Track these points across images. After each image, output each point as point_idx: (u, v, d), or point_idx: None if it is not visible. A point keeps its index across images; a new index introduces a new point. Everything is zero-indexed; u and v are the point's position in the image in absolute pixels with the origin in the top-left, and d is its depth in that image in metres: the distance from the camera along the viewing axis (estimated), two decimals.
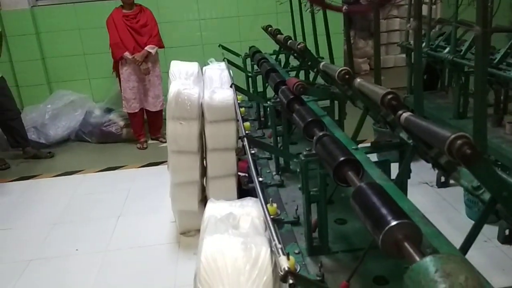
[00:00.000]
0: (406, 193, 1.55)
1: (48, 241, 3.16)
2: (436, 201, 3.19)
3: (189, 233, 2.99)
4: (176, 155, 2.67)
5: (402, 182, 1.55)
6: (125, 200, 3.68)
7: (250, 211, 1.25)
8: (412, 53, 3.67)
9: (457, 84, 3.11)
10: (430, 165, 1.33)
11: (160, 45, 4.79)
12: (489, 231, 2.76)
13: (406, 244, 0.88)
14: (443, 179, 3.34)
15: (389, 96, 1.18)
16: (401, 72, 5.19)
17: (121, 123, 5.13)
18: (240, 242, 1.07)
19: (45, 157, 4.80)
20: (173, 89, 2.58)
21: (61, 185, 4.14)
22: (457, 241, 2.59)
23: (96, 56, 5.43)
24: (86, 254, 2.96)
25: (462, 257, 0.88)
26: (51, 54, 5.42)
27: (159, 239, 3.04)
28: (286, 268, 0.76)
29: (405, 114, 1.06)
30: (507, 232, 2.63)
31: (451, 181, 3.44)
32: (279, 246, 0.84)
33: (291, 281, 0.75)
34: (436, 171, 3.22)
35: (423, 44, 3.50)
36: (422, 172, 3.40)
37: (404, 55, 4.46)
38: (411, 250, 0.85)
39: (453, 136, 0.85)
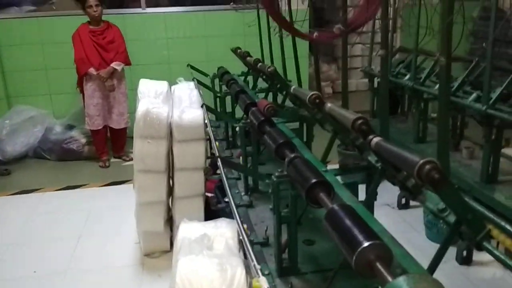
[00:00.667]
0: (373, 215, 1.60)
1: (5, 263, 3.01)
2: (397, 222, 3.29)
3: (153, 255, 2.93)
4: (142, 174, 2.64)
5: (369, 204, 1.60)
6: (86, 220, 3.57)
7: (224, 232, 1.26)
8: (375, 78, 3.84)
9: (417, 110, 3.26)
10: (391, 187, 1.39)
11: (127, 62, 4.76)
12: (448, 252, 2.87)
13: (378, 264, 0.91)
14: (403, 201, 3.46)
15: (359, 121, 1.23)
16: (363, 96, 5.39)
17: (83, 140, 5.01)
18: (215, 263, 1.07)
19: (1, 174, 4.60)
20: (142, 107, 2.56)
21: (17, 204, 3.97)
22: (418, 261, 2.68)
23: (58, 71, 5.31)
24: (45, 277, 2.83)
25: (433, 277, 0.93)
26: (12, 68, 5.25)
27: (122, 260, 2.96)
28: None
29: (376, 139, 1.11)
30: (464, 253, 2.75)
31: (411, 203, 3.57)
32: (258, 267, 0.86)
33: None
34: (398, 193, 3.34)
35: None
36: (384, 195, 3.48)
37: (366, 80, 4.64)
38: (383, 271, 0.88)
39: (422, 161, 0.90)
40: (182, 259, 1.08)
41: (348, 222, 1.05)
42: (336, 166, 2.05)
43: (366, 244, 0.94)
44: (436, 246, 3.01)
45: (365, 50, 7.12)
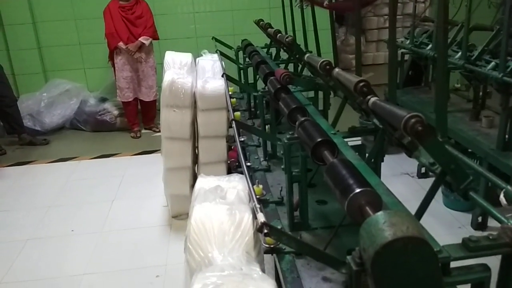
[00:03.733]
0: (379, 174, 1.70)
1: (44, 223, 3.29)
2: (416, 190, 3.36)
3: (180, 217, 3.13)
4: (169, 141, 2.81)
5: (376, 164, 1.69)
6: (119, 186, 3.80)
7: (236, 185, 1.39)
8: (399, 50, 3.84)
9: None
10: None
11: (155, 37, 4.92)
12: (464, 218, 2.94)
13: (367, 208, 1.03)
14: (423, 170, 3.51)
15: (361, 84, 1.32)
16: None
17: (115, 112, 5.25)
18: (226, 208, 1.21)
19: (40, 144, 4.91)
20: (167, 78, 2.71)
21: (55, 170, 4.26)
22: (434, 227, 2.77)
23: (91, 46, 5.53)
24: (82, 235, 3.09)
25: (408, 212, 1.03)
26: (48, 44, 5.50)
27: (151, 221, 3.18)
28: (262, 221, 0.90)
29: (373, 99, 1.20)
30: (479, 219, 2.80)
31: (430, 173, 3.61)
32: (257, 206, 0.99)
33: (265, 231, 0.89)
34: (417, 163, 3.39)
35: (408, 42, 3.65)
36: (404, 164, 3.57)
37: None
38: (370, 212, 1.00)
39: (408, 115, 0.99)
40: (197, 205, 1.23)
41: (344, 173, 1.16)
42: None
43: (357, 190, 1.06)
44: (453, 212, 3.09)
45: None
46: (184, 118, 2.74)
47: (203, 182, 1.40)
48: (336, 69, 1.56)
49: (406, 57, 3.93)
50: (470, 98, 3.28)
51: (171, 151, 2.82)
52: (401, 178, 3.55)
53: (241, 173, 2.56)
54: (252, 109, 3.30)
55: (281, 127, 2.71)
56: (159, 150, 3.06)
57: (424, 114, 2.96)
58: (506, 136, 2.50)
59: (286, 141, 1.68)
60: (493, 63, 2.56)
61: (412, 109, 3.27)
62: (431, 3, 2.95)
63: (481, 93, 3.12)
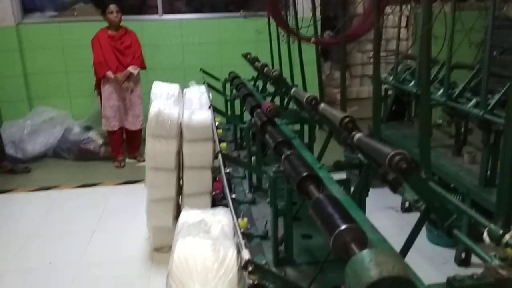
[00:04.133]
0: (364, 209, 1.70)
1: (22, 254, 3.18)
2: (400, 225, 3.36)
3: (162, 250, 3.06)
4: (153, 172, 2.77)
5: (361, 199, 1.70)
6: (100, 217, 3.72)
7: (221, 219, 1.37)
8: (382, 85, 3.93)
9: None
10: None
11: (143, 67, 4.95)
12: (447, 254, 2.94)
13: (352, 245, 1.02)
14: (407, 204, 3.53)
15: (346, 120, 1.34)
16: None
17: (100, 141, 5.20)
18: (209, 244, 1.19)
19: (21, 172, 4.81)
20: (154, 108, 2.71)
21: (36, 200, 4.15)
22: (418, 262, 2.76)
23: (78, 75, 5.53)
24: (60, 268, 2.99)
25: (393, 250, 1.02)
26: (34, 71, 5.49)
27: (132, 254, 3.10)
28: (247, 258, 0.89)
29: (358, 135, 1.21)
30: (463, 255, 2.80)
31: (414, 208, 3.63)
32: (242, 241, 0.97)
33: (250, 269, 0.88)
34: (401, 197, 3.41)
35: (391, 78, 3.75)
36: (388, 198, 3.58)
37: None
38: (356, 250, 0.99)
39: (392, 153, 1.01)
40: (180, 240, 1.20)
41: (330, 208, 1.16)
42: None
43: (342, 227, 1.05)
44: (437, 248, 3.08)
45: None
46: (170, 148, 2.72)
47: (186, 215, 1.38)
48: (322, 105, 1.58)
49: (390, 92, 4.02)
50: (452, 134, 3.35)
51: (155, 182, 2.79)
52: (385, 212, 3.56)
53: (226, 205, 2.53)
54: (238, 141, 3.31)
55: (267, 159, 2.71)
56: (143, 180, 3.02)
57: (408, 149, 3.02)
58: (488, 172, 2.54)
59: (271, 174, 1.68)
60: (474, 101, 2.63)
61: (396, 143, 3.33)
62: (414, 41, 3.06)
63: (462, 130, 3.18)
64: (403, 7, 3.60)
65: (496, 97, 2.46)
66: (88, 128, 5.31)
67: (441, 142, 3.43)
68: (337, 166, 1.74)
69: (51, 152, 5.25)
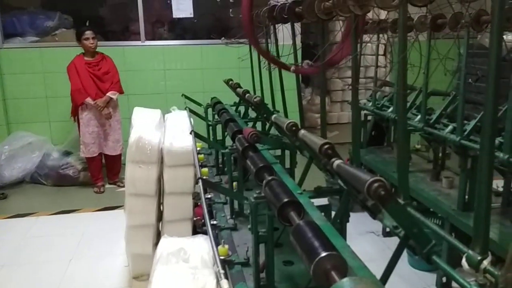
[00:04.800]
0: (345, 235, 1.71)
1: None
2: (381, 249, 3.36)
3: (142, 278, 2.99)
4: (133, 198, 2.74)
5: (341, 224, 1.70)
6: (78, 244, 3.63)
7: (201, 246, 1.36)
8: (361, 111, 4.00)
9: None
10: None
11: (121, 91, 4.95)
12: (428, 278, 2.95)
13: (333, 273, 1.02)
14: (387, 229, 3.54)
15: (326, 146, 1.36)
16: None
17: (79, 166, 5.12)
18: (189, 273, 1.17)
19: None
20: (134, 133, 2.69)
21: (12, 227, 4.04)
22: (399, 286, 2.75)
23: (58, 100, 5.47)
24: None
25: (374, 279, 1.02)
26: (13, 96, 5.42)
27: (111, 283, 3.02)
28: None
29: (337, 162, 1.23)
30: (444, 279, 2.81)
31: None
32: (221, 271, 0.96)
33: None
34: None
35: (370, 104, 3.82)
36: (369, 222, 3.58)
37: None
38: (336, 278, 0.98)
39: (371, 180, 1.02)
40: (159, 268, 1.18)
41: (310, 236, 1.16)
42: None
43: (323, 254, 1.05)
44: (418, 272, 3.09)
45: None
46: (150, 174, 2.70)
47: (166, 243, 1.36)
48: (302, 131, 1.59)
49: (369, 117, 4.09)
50: (430, 159, 3.41)
51: (135, 208, 2.75)
52: (366, 236, 3.57)
53: (206, 232, 2.50)
54: (220, 165, 3.30)
55: (249, 183, 2.71)
56: (123, 206, 2.98)
57: (387, 173, 3.05)
58: (466, 196, 2.58)
59: (253, 200, 1.68)
60: (450, 127, 2.69)
61: (375, 168, 3.35)
62: (391, 69, 3.14)
63: (440, 154, 3.24)
64: (381, 36, 3.73)
65: (472, 123, 2.53)
66: (67, 153, 5.23)
67: (420, 167, 3.48)
68: (318, 192, 1.75)
69: (29, 178, 5.15)
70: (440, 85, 3.32)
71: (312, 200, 1.71)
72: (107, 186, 5.06)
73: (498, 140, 2.30)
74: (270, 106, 3.23)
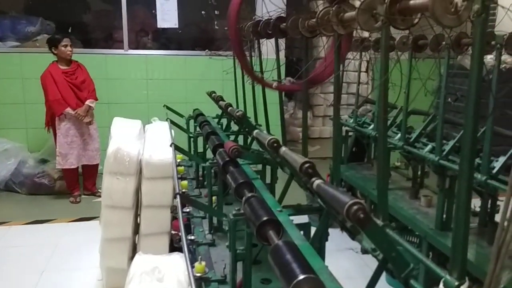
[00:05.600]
0: (323, 255, 1.69)
1: None
2: (360, 267, 3.36)
3: None
4: (109, 210, 2.68)
5: (320, 243, 1.68)
6: (51, 255, 3.52)
7: (176, 266, 1.32)
8: (343, 128, 4.03)
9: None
10: None
11: (97, 99, 4.88)
12: None
13: None
14: None
15: (306, 165, 1.34)
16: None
17: (55, 175, 5.00)
18: None
19: None
20: (113, 144, 2.64)
21: None
22: None
23: (36, 106, 5.35)
24: None
25: None
26: None
27: None
28: None
29: (317, 181, 1.21)
30: None
31: None
32: None
33: None
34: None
35: (352, 120, 3.85)
36: (348, 239, 3.58)
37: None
38: None
39: (350, 202, 1.01)
40: None
41: (288, 257, 1.14)
42: None
43: (301, 277, 1.03)
44: None
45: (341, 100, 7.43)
46: (128, 186, 2.65)
47: (140, 261, 1.32)
48: (283, 148, 1.58)
49: (350, 133, 4.12)
50: (410, 177, 3.43)
51: (111, 221, 2.68)
52: (345, 253, 3.56)
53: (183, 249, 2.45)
54: (200, 178, 3.26)
55: (229, 197, 2.67)
56: (99, 217, 2.91)
57: (367, 190, 3.04)
58: (444, 216, 2.60)
59: (232, 217, 1.65)
60: (430, 146, 2.72)
61: (356, 185, 3.35)
62: (373, 88, 3.18)
63: (419, 173, 3.27)
64: (363, 54, 3.77)
65: (451, 143, 2.56)
66: (43, 161, 5.11)
67: (399, 184, 3.50)
68: (298, 210, 1.73)
69: (3, 186, 5.01)
70: (420, 104, 3.37)
71: (292, 218, 1.70)
72: (84, 196, 4.95)
73: (476, 161, 2.34)
74: (252, 119, 3.22)
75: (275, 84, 1.94)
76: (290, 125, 7.37)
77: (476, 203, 2.78)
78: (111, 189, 2.63)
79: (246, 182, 1.82)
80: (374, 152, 3.94)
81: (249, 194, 1.64)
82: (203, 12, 4.60)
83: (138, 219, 2.87)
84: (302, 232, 1.64)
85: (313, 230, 1.79)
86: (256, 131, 2.01)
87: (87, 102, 4.69)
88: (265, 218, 1.38)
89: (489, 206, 2.62)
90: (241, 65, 2.29)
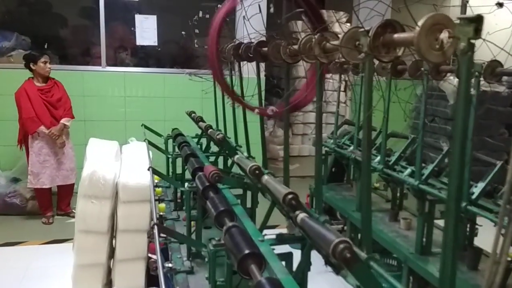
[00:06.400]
0: (306, 284, 1.65)
1: None
2: None
3: None
4: (83, 235, 2.58)
5: (303, 274, 1.65)
6: (20, 280, 3.37)
7: None
8: (323, 148, 4.03)
9: (359, 179, 3.42)
10: None
11: (73, 118, 4.75)
12: None
13: None
14: None
15: (290, 196, 1.32)
16: (313, 160, 5.58)
17: (27, 195, 4.82)
18: None
19: None
20: (88, 167, 2.56)
21: None
22: None
23: (9, 123, 5.19)
24: None
25: None
26: None
27: None
28: None
29: (301, 215, 1.18)
30: None
31: None
32: None
33: None
34: None
35: (331, 141, 3.86)
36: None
37: None
38: None
39: (336, 240, 0.98)
40: None
41: None
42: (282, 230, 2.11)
43: None
44: None
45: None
46: (103, 210, 2.56)
47: None
48: (265, 177, 1.55)
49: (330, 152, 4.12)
50: (388, 198, 3.44)
51: (85, 246, 2.58)
52: (326, 275, 3.51)
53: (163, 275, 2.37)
54: (179, 200, 3.19)
55: (208, 220, 2.61)
56: (72, 239, 2.79)
57: (346, 212, 3.01)
58: (424, 240, 2.61)
59: (212, 248, 1.60)
60: (409, 170, 2.73)
61: (335, 206, 3.31)
62: (355, 111, 3.19)
63: (398, 194, 3.29)
64: (342, 76, 3.81)
65: (430, 167, 2.58)
66: (15, 180, 4.93)
67: (378, 206, 3.51)
68: (280, 240, 1.70)
69: None
70: (398, 125, 3.40)
71: (274, 248, 1.66)
72: (57, 216, 4.78)
73: None
74: (233, 138, 3.17)
75: (256, 110, 1.91)
76: (269, 143, 7.37)
77: None
78: (86, 213, 2.54)
79: (226, 210, 1.77)
80: (353, 173, 3.95)
81: (230, 224, 1.59)
82: (183, 32, 4.57)
83: (114, 243, 2.77)
84: (284, 263, 1.61)
85: (295, 252, 1.75)
86: (237, 156, 1.98)
87: (62, 121, 4.56)
88: (246, 252, 1.34)
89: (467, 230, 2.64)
90: (221, 88, 2.26)
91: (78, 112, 4.88)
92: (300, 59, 1.82)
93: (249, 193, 2.48)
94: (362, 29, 1.24)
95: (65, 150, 4.65)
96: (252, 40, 2.33)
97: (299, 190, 1.45)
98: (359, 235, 3.24)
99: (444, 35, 0.98)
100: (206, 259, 1.56)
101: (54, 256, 3.79)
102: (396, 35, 1.14)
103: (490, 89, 4.70)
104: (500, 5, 1.57)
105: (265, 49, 2.08)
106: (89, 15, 5.98)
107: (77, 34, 6.11)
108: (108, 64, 5.54)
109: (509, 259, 2.41)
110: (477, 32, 0.90)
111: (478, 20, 0.90)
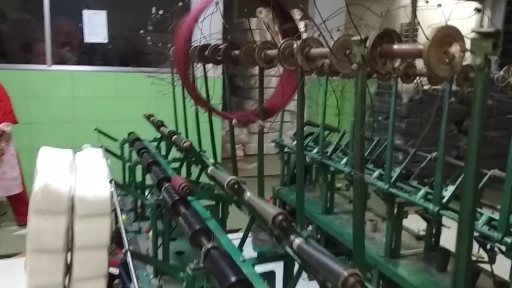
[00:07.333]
0: None
1: None
2: None
3: None
4: (36, 255, 2.34)
5: None
6: None
7: None
8: (285, 149, 3.98)
9: (324, 182, 3.38)
10: None
11: (15, 122, 4.35)
12: None
13: None
14: None
15: (280, 218, 1.22)
16: (272, 159, 5.50)
17: None
18: None
19: None
20: (40, 180, 2.33)
21: None
22: None
23: None
24: None
25: None
26: None
27: None
28: None
29: (298, 241, 1.09)
30: None
31: None
32: None
33: None
34: None
35: (294, 143, 3.80)
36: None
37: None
38: None
39: (346, 274, 0.89)
40: None
41: None
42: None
43: None
44: None
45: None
46: (58, 226, 2.33)
47: None
48: (248, 194, 1.45)
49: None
50: (351, 199, 3.44)
51: (38, 266, 2.35)
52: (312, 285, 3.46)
53: None
54: (139, 210, 3.02)
55: (173, 233, 2.47)
56: (21, 253, 2.54)
57: (312, 215, 2.94)
58: (393, 243, 2.61)
59: (190, 272, 1.47)
60: (377, 173, 2.72)
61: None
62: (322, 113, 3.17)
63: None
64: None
65: (398, 170, 2.57)
66: None
67: (342, 207, 3.50)
68: (262, 258, 1.60)
69: None
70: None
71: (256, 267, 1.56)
72: (4, 228, 4.39)
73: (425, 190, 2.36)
74: (195, 141, 3.03)
75: (234, 120, 1.80)
76: (226, 142, 7.25)
77: (420, 226, 2.83)
78: (39, 231, 2.30)
79: (202, 229, 1.65)
80: (316, 174, 3.92)
81: (209, 246, 1.48)
82: (141, 31, 4.33)
83: (70, 260, 2.55)
84: (266, 282, 1.52)
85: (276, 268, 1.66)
86: (211, 168, 1.85)
87: (1, 126, 4.16)
88: (233, 280, 1.24)
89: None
90: (189, 93, 2.13)
91: (21, 114, 4.50)
92: (277, 65, 1.73)
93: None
94: (354, 37, 1.16)
95: (5, 158, 4.25)
96: (209, 42, 2.22)
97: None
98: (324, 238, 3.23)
99: (455, 49, 0.92)
100: (184, 284, 1.43)
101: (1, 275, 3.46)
102: (397, 46, 1.07)
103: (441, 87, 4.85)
104: (478, 11, 1.55)
105: (236, 52, 1.98)
106: (31, 9, 5.54)
107: (18, 29, 5.65)
108: (54, 62, 5.17)
109: (474, 258, 2.46)
110: (495, 47, 0.84)
111: (496, 35, 0.84)
